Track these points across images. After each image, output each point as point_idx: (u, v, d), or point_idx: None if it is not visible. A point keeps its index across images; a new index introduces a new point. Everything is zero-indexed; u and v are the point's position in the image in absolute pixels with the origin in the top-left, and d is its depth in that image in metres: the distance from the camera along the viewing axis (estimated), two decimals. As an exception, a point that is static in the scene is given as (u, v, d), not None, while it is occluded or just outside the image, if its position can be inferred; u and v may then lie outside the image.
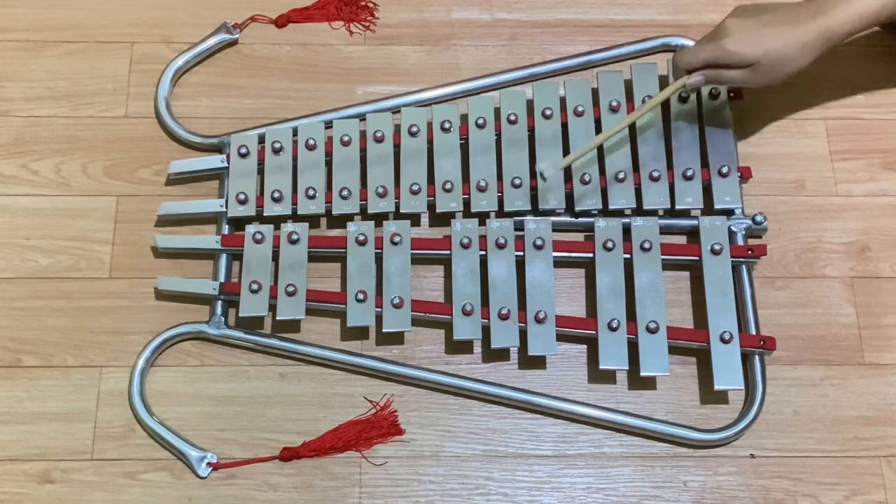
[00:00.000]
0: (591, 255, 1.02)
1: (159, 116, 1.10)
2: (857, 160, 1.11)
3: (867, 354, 1.02)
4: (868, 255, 1.06)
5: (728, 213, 1.04)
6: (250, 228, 1.03)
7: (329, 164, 1.06)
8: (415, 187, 1.04)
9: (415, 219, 1.06)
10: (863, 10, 0.93)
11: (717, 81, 0.97)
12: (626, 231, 1.03)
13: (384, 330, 0.99)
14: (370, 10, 1.17)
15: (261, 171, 1.06)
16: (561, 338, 1.00)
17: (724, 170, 1.04)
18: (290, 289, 0.99)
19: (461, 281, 1.00)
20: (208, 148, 1.09)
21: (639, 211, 1.04)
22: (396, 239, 1.01)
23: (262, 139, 1.07)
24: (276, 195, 1.04)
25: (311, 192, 1.04)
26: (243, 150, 1.06)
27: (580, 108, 1.06)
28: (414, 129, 1.06)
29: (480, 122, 1.06)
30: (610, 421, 0.98)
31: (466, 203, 1.04)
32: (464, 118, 1.08)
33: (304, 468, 0.97)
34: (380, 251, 1.02)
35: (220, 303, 1.01)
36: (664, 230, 1.04)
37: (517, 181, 1.04)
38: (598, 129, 1.06)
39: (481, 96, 1.11)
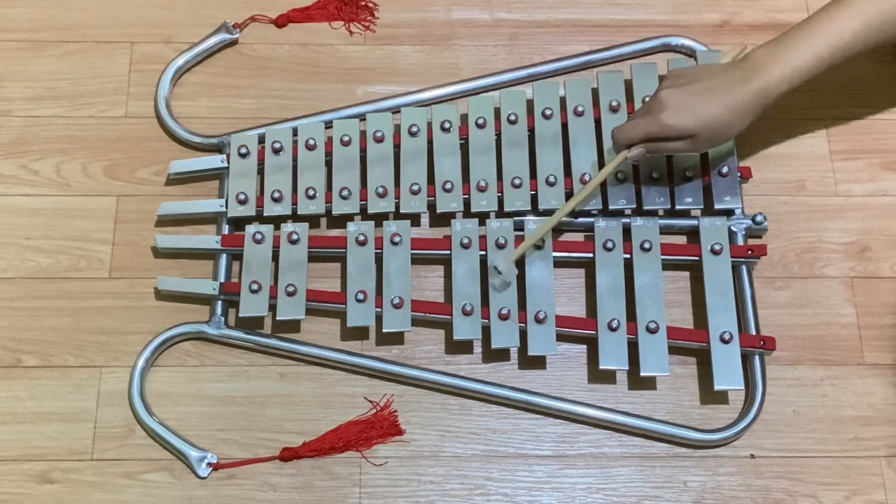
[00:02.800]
0: (591, 255, 1.02)
1: (159, 116, 1.10)
2: (857, 160, 1.11)
3: (867, 354, 1.02)
4: (868, 255, 1.06)
5: (728, 213, 1.04)
6: (250, 228, 1.03)
7: (329, 164, 1.06)
8: (415, 187, 1.04)
9: (415, 219, 1.06)
10: (794, 69, 0.92)
11: (658, 152, 0.96)
12: (626, 231, 1.03)
13: (384, 330, 0.99)
14: (370, 10, 1.17)
15: (261, 171, 1.06)
16: (561, 338, 1.00)
17: (724, 170, 1.04)
18: (290, 289, 0.99)
19: (461, 281, 1.00)
20: (208, 148, 1.09)
21: (639, 211, 1.04)
22: (396, 239, 1.01)
23: (262, 139, 1.07)
24: (276, 195, 1.04)
25: (311, 192, 1.04)
26: (243, 150, 1.06)
27: (580, 108, 1.06)
28: (414, 129, 1.06)
29: (480, 122, 1.06)
30: (610, 421, 0.98)
31: (466, 203, 1.04)
32: (464, 118, 1.08)
33: (304, 468, 0.97)
34: (380, 251, 1.02)
35: (220, 303, 1.01)
36: (664, 230, 1.04)
37: (517, 181, 1.04)
38: (599, 130, 1.06)
39: (481, 96, 1.11)
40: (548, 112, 1.06)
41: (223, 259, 1.03)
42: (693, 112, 0.92)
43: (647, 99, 1.01)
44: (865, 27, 0.92)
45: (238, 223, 1.06)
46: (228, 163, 1.06)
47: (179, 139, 1.10)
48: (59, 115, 1.11)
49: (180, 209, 1.05)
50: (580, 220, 1.04)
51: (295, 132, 1.07)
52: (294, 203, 1.04)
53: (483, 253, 1.01)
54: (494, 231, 1.02)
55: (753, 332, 1.00)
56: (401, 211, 1.04)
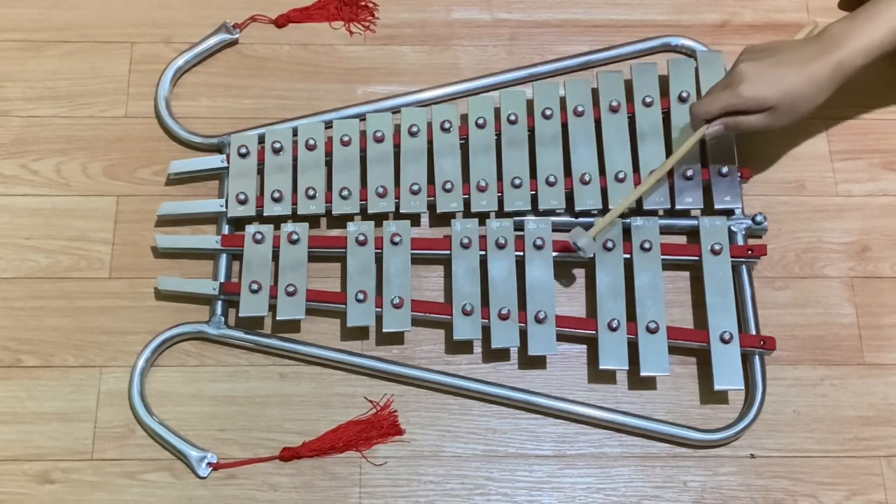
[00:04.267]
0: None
1: (159, 116, 1.10)
2: (857, 160, 1.11)
3: (867, 354, 1.02)
4: (868, 255, 1.06)
5: (728, 213, 1.04)
6: (250, 228, 1.03)
7: (329, 164, 1.06)
8: (415, 187, 1.04)
9: (415, 219, 1.06)
10: (873, 40, 0.93)
11: (737, 127, 0.97)
12: (626, 231, 1.03)
13: (384, 330, 0.99)
14: (370, 10, 1.17)
15: (261, 171, 1.06)
16: (561, 338, 1.00)
17: (724, 170, 1.04)
18: (290, 289, 0.99)
19: (461, 281, 1.00)
20: (208, 148, 1.09)
21: (639, 211, 1.04)
22: (396, 239, 1.01)
23: (262, 139, 1.07)
24: (276, 195, 1.04)
25: (311, 192, 1.04)
26: (243, 150, 1.06)
27: (580, 108, 1.06)
28: (414, 129, 1.06)
29: (480, 122, 1.06)
30: (610, 421, 0.98)
31: (466, 203, 1.04)
32: (464, 118, 1.08)
33: (304, 468, 0.97)
34: (380, 251, 1.02)
35: (220, 303, 1.01)
36: (664, 230, 1.04)
37: (517, 181, 1.04)
38: (599, 130, 1.06)
39: (481, 96, 1.11)
40: (548, 112, 1.06)
41: (223, 259, 1.03)
42: (773, 83, 0.92)
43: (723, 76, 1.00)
44: None
45: (238, 223, 1.06)
46: (228, 163, 1.06)
47: (179, 139, 1.10)
48: (59, 115, 1.11)
49: (180, 209, 1.05)
50: (581, 220, 1.04)
51: (295, 132, 1.07)
52: (294, 203, 1.04)
53: (483, 253, 1.01)
54: (494, 231, 1.02)
55: (753, 332, 1.00)
56: (401, 211, 1.04)
